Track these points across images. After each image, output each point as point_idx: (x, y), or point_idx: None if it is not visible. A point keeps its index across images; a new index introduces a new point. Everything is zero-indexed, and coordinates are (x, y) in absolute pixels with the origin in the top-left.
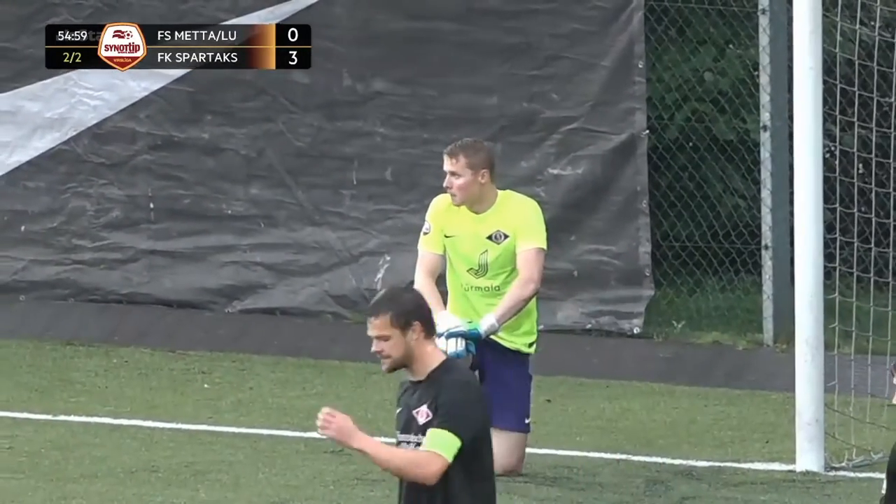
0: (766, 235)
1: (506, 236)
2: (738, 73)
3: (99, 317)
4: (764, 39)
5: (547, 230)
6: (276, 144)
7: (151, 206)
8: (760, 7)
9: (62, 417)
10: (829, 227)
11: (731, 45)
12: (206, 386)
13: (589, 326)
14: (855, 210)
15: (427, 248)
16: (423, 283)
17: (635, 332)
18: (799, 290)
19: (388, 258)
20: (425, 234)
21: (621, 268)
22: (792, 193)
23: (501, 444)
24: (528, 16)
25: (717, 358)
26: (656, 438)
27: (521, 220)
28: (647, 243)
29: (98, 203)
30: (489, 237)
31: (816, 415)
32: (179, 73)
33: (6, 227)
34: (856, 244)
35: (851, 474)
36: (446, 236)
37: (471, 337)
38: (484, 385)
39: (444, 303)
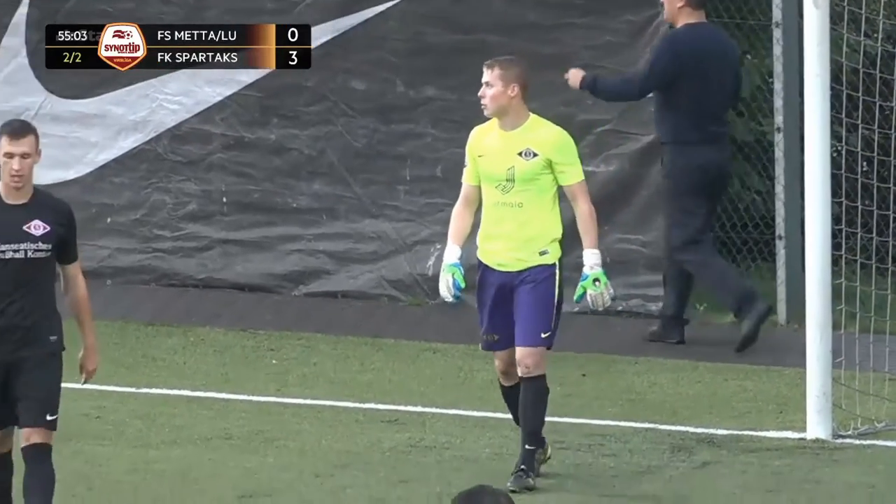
0: (780, 226)
1: (535, 154)
2: (754, 81)
3: (177, 300)
4: (777, 50)
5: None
6: (337, 145)
7: (224, 199)
8: (774, 21)
9: (145, 390)
10: (836, 219)
11: (748, 55)
12: (274, 362)
13: (620, 308)
14: (859, 203)
15: (465, 181)
16: (457, 213)
17: None
18: (809, 276)
19: (438, 247)
20: (465, 167)
21: (649, 255)
22: (803, 189)
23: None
24: (565, 29)
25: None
26: (681, 409)
27: (557, 150)
28: None
29: (176, 197)
30: (519, 153)
31: (825, 388)
32: (250, 79)
33: (94, 219)
34: (859, 234)
35: (857, 441)
36: (479, 157)
37: (604, 278)
38: (518, 306)
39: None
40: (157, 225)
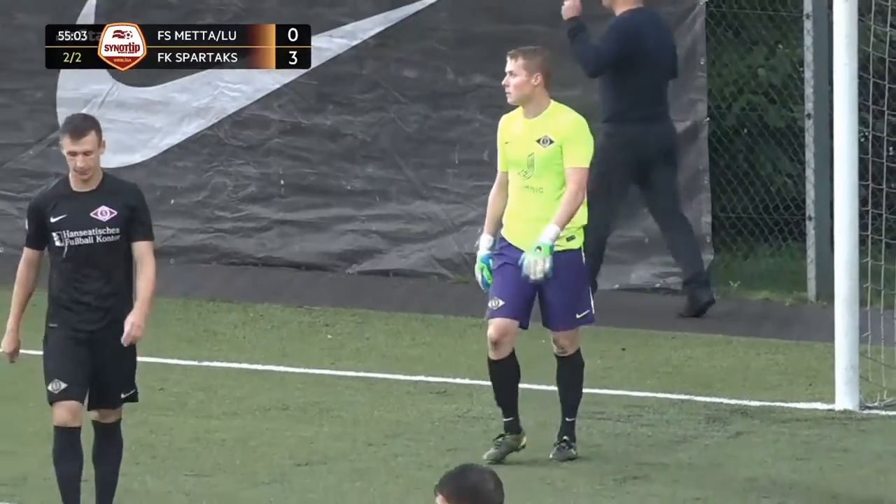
0: (810, 208)
1: (551, 141)
2: (786, 70)
3: (238, 277)
4: (808, 40)
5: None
6: (389, 130)
7: (282, 182)
8: (805, 13)
9: (206, 363)
10: (863, 201)
11: (780, 46)
12: (329, 336)
13: (658, 285)
14: (884, 186)
15: (499, 168)
16: (491, 199)
17: None
18: (837, 255)
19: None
20: (499, 154)
21: None
22: (832, 172)
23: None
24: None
25: (767, 313)
26: (715, 382)
27: (569, 135)
28: (708, 214)
29: (237, 180)
30: (538, 140)
31: (853, 362)
32: (307, 68)
33: (159, 201)
34: (885, 215)
35: (883, 412)
36: (506, 143)
37: (547, 249)
38: (548, 291)
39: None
40: (218, 206)
